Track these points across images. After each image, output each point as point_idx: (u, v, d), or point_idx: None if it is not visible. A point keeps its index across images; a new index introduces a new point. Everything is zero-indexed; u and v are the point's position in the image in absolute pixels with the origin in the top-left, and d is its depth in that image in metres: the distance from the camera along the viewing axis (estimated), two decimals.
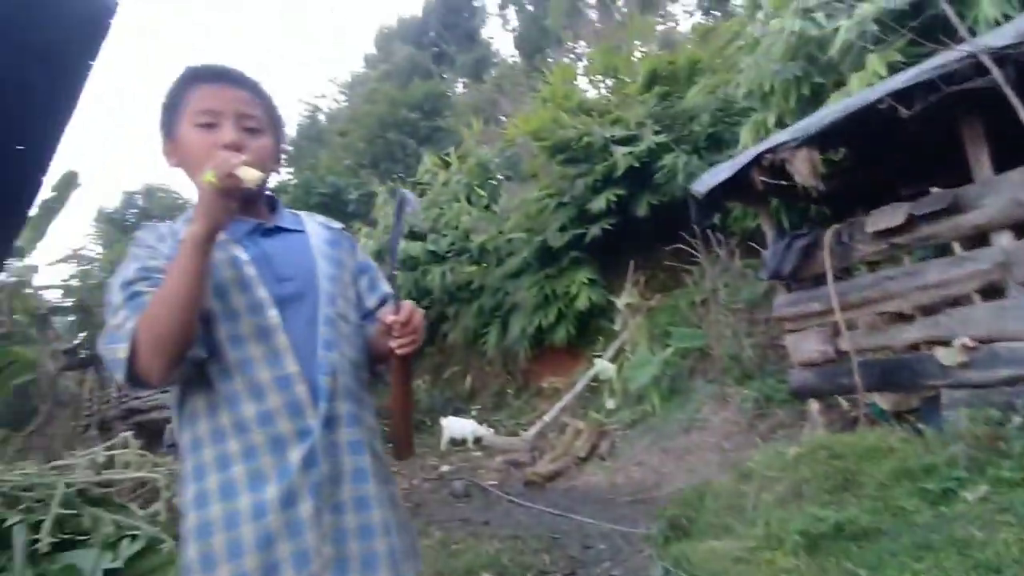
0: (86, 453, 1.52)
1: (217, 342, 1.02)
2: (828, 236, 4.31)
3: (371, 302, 1.22)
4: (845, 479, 3.08)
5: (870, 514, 2.72)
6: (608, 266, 8.95)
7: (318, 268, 1.12)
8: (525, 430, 7.81)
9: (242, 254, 1.07)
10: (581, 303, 8.52)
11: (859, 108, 3.75)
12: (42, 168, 3.35)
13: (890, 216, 3.90)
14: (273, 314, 1.04)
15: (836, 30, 5.67)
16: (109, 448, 1.50)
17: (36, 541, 1.11)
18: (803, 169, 3.95)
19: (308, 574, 0.96)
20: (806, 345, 4.48)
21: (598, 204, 8.33)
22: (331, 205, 16.75)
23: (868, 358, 4.20)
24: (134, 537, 1.26)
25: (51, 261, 12.33)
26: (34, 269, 10.72)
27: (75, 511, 1.20)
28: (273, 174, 1.19)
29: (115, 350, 0.95)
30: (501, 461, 6.91)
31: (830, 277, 4.22)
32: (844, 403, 4.65)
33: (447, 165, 12.74)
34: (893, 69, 4.87)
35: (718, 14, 14.99)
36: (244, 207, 1.08)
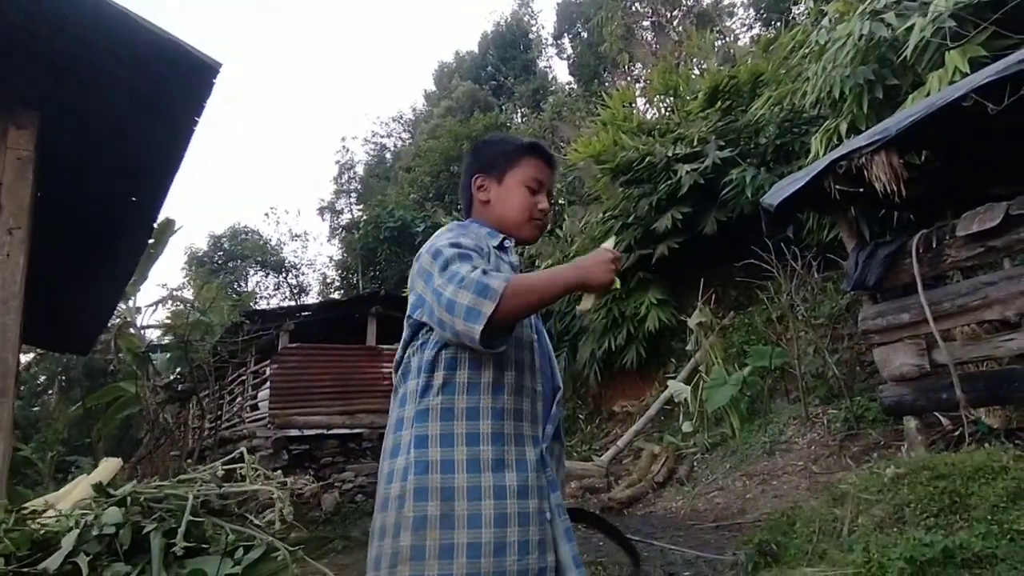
0: (207, 468, 1.66)
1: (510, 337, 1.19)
2: (915, 242, 4.09)
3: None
4: (952, 501, 2.87)
5: (983, 539, 2.52)
6: (677, 285, 8.79)
7: (545, 329, 1.37)
8: (599, 455, 7.69)
9: None
10: (651, 324, 8.39)
11: (942, 107, 3.58)
12: (152, 217, 3.70)
13: (985, 217, 3.67)
14: (536, 337, 1.28)
15: (909, 30, 5.46)
16: (228, 463, 1.64)
17: (169, 547, 1.23)
18: (883, 174, 3.79)
19: (526, 562, 1.08)
20: (897, 359, 4.23)
21: (663, 223, 8.23)
22: (399, 239, 17.35)
23: (969, 371, 3.92)
24: (250, 546, 1.37)
25: (151, 302, 13.34)
26: (137, 310, 11.68)
27: (200, 520, 1.32)
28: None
29: (483, 304, 1.07)
30: (576, 487, 6.82)
31: (920, 286, 3.99)
32: (945, 420, 4.34)
33: None
34: (976, 65, 4.63)
35: (779, 24, 14.69)
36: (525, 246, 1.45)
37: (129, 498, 1.32)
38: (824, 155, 5.78)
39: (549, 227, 9.78)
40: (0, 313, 2.37)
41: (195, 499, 1.33)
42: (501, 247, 1.32)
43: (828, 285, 6.87)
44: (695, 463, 6.33)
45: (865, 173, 3.94)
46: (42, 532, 1.20)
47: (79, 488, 1.48)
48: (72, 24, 2.48)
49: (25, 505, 1.39)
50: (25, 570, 1.09)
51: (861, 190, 4.16)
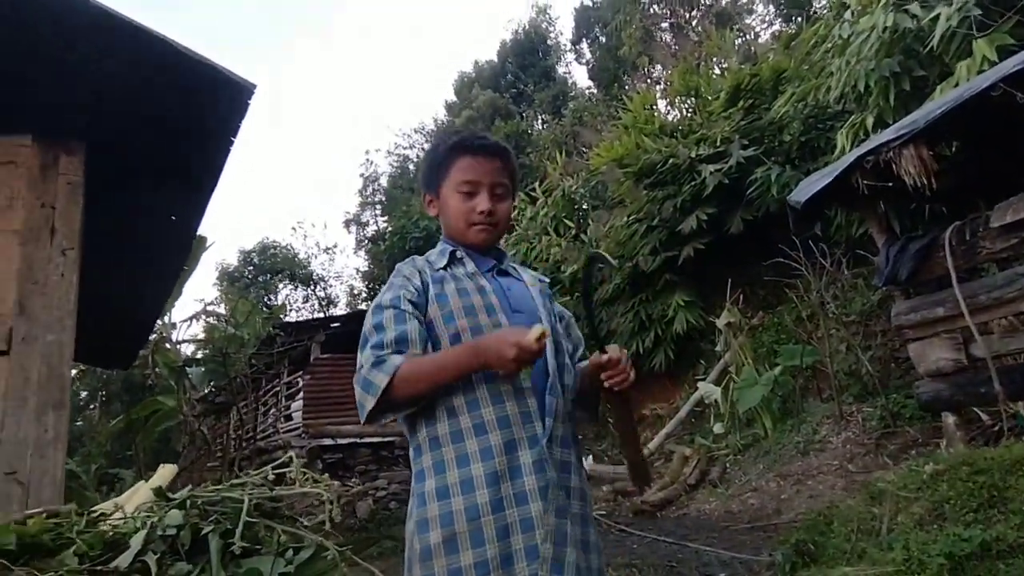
0: (258, 472, 1.74)
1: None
2: (948, 235, 4.02)
3: (568, 345, 1.37)
4: (991, 496, 2.82)
5: (1018, 530, 2.48)
6: (704, 286, 8.73)
7: (539, 307, 1.31)
8: None
9: (487, 284, 1.29)
10: (679, 326, 8.35)
11: (971, 97, 3.53)
12: (191, 235, 3.84)
13: (1020, 207, 3.60)
14: None
15: (934, 20, 5.39)
16: (277, 467, 1.71)
17: (226, 547, 1.31)
18: (912, 167, 3.75)
19: (537, 567, 1.08)
20: (933, 354, 4.16)
21: (689, 224, 8.20)
22: (425, 248, 17.46)
23: (1008, 364, 3.83)
24: (300, 547, 1.44)
25: (185, 318, 13.70)
26: (173, 326, 12.00)
27: (253, 521, 1.39)
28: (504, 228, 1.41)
29: (366, 398, 1.14)
30: (608, 490, 6.81)
31: (955, 279, 3.92)
32: (983, 415, 4.24)
33: (533, 200, 13.03)
34: (1004, 53, 4.55)
35: (799, 20, 14.52)
36: (486, 251, 1.35)
37: (188, 501, 1.40)
38: (850, 150, 5.72)
39: (574, 232, 9.71)
40: (56, 331, 2.50)
41: (249, 502, 1.41)
42: (452, 261, 1.31)
43: (859, 281, 6.76)
44: (727, 464, 6.28)
45: (893, 167, 3.90)
46: (111, 533, 1.28)
47: (140, 493, 1.57)
48: (115, 52, 2.61)
49: (94, 508, 1.49)
50: (98, 568, 1.17)
51: (890, 184, 4.11)
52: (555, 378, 1.22)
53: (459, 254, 1.32)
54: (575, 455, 1.25)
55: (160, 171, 3.23)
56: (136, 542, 1.23)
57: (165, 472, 1.69)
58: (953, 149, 4.96)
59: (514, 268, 1.42)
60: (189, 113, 2.82)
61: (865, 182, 4.16)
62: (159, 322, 11.35)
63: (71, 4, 2.37)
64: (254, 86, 2.65)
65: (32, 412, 2.37)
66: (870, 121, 5.92)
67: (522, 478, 1.12)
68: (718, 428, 6.83)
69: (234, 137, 2.85)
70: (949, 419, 4.17)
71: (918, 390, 4.40)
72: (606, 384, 1.20)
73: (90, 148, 2.87)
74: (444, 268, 1.31)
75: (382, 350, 1.16)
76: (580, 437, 1.33)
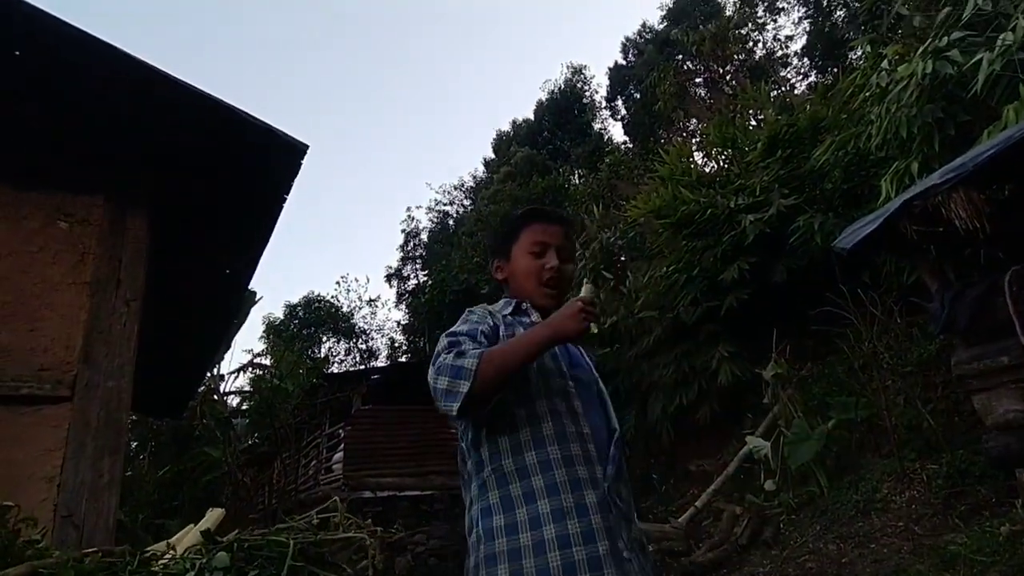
0: (303, 516, 1.75)
1: (531, 394, 1.25)
2: (1008, 280, 3.86)
3: None
4: None
5: None
6: (748, 337, 8.51)
7: (595, 371, 1.42)
8: (676, 516, 7.33)
9: None
10: (723, 378, 8.11)
11: (1021, 137, 3.45)
12: (243, 288, 4.01)
13: None
14: (572, 384, 1.30)
15: (976, 65, 5.34)
16: (322, 512, 1.72)
17: None
18: (963, 211, 3.65)
19: None
20: (1001, 406, 3.92)
21: (730, 274, 8.09)
22: (464, 301, 17.71)
23: None
24: None
25: (232, 370, 14.06)
26: (221, 378, 12.32)
27: (298, 565, 1.39)
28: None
29: (459, 384, 1.16)
30: (654, 549, 6.51)
31: (1018, 325, 3.73)
32: None
33: None
34: None
35: (835, 71, 14.59)
36: (551, 310, 1.39)
37: (235, 544, 1.42)
38: (895, 196, 5.61)
39: (614, 284, 9.70)
40: (116, 377, 2.62)
41: (294, 546, 1.42)
42: (517, 311, 1.39)
43: (913, 330, 6.49)
44: (781, 524, 5.94)
45: (943, 211, 3.81)
46: (162, 573, 1.31)
47: (190, 535, 1.60)
48: (181, 118, 2.83)
49: (146, 549, 1.52)
50: None
51: (940, 229, 4.00)
52: (618, 429, 1.31)
53: (524, 306, 1.41)
54: (632, 509, 1.29)
55: (216, 227, 3.41)
56: None
57: (214, 515, 1.72)
58: (1007, 192, 4.81)
59: None
60: (245, 172, 3.00)
61: (914, 227, 4.06)
62: (208, 374, 11.69)
63: (145, 76, 2.59)
64: (306, 147, 2.81)
65: (89, 457, 2.45)
66: (915, 167, 5.82)
67: (588, 516, 1.14)
68: (769, 485, 6.50)
69: (287, 195, 3.01)
70: (1023, 476, 3.89)
71: (986, 445, 4.12)
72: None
73: (153, 205, 3.07)
74: (511, 315, 1.39)
75: (460, 346, 1.22)
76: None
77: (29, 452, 2.35)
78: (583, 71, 25.56)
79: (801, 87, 17.84)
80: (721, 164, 11.24)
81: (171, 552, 1.46)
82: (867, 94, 7.11)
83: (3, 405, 2.37)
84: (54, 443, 2.41)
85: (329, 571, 1.45)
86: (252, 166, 2.98)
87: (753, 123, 11.97)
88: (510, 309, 1.40)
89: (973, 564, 3.01)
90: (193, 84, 2.70)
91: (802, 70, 19.21)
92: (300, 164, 2.84)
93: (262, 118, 2.83)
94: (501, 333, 1.32)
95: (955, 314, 4.09)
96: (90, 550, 1.42)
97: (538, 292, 1.40)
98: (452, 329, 1.31)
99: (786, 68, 19.23)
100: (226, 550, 1.42)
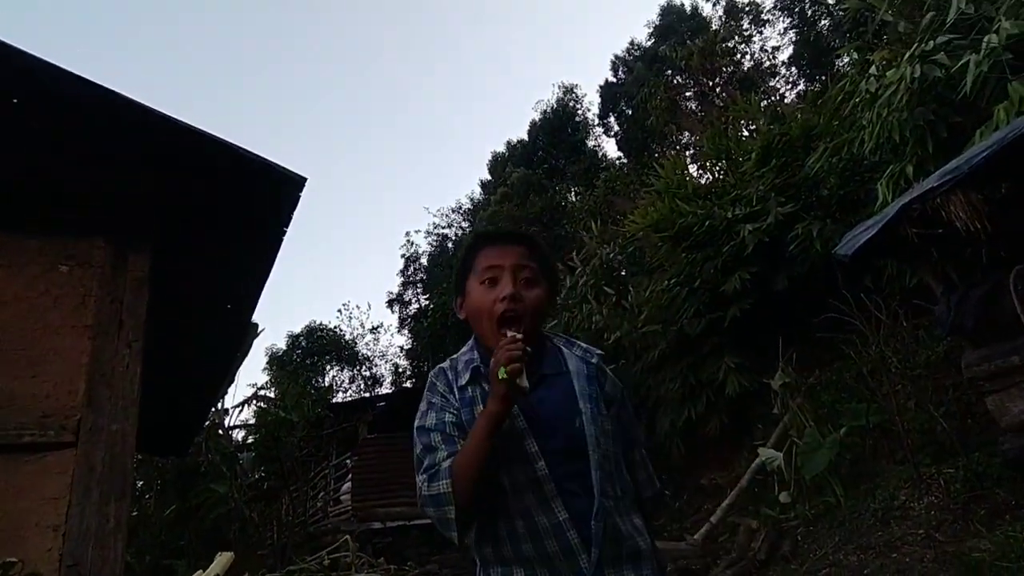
0: (313, 558, 1.70)
1: (502, 487, 1.14)
2: (1012, 279, 3.85)
3: (616, 444, 1.28)
4: None
5: None
6: (753, 347, 8.46)
7: (582, 414, 1.19)
8: (691, 533, 7.22)
9: (513, 409, 1.15)
10: (731, 389, 8.05)
11: (1015, 138, 3.47)
12: (246, 322, 3.99)
13: None
14: (542, 466, 1.13)
15: (963, 68, 5.39)
16: (332, 552, 1.67)
17: None
18: (962, 212, 3.65)
19: None
20: (1015, 406, 3.87)
21: (731, 285, 8.08)
22: (466, 325, 17.66)
23: None
24: None
25: (236, 403, 13.97)
26: (225, 412, 12.25)
27: None
28: (546, 317, 1.35)
29: (446, 511, 1.10)
30: (671, 569, 6.39)
31: None
32: None
33: (572, 269, 13.12)
34: None
35: (823, 78, 14.74)
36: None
37: None
38: (892, 199, 5.62)
39: (616, 299, 9.63)
40: (120, 420, 2.59)
41: None
42: (476, 377, 1.22)
43: (920, 333, 6.45)
44: (799, 537, 5.84)
45: (943, 213, 3.81)
46: None
47: None
48: (177, 157, 2.84)
49: None
50: None
51: (940, 231, 4.00)
52: (603, 497, 1.13)
53: (483, 370, 1.21)
54: (644, 567, 1.16)
55: (215, 262, 3.40)
56: None
57: (223, 560, 1.68)
58: (1003, 191, 4.82)
59: (559, 354, 1.30)
60: (244, 207, 3.00)
61: (914, 231, 4.06)
62: (212, 408, 11.61)
63: (141, 117, 2.60)
64: (304, 179, 2.81)
65: (95, 503, 2.41)
66: (910, 170, 5.85)
67: None
68: (784, 497, 6.40)
69: (286, 227, 3.01)
70: None
71: (1002, 447, 4.08)
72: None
73: (152, 244, 3.06)
74: (469, 384, 1.23)
75: (434, 467, 1.15)
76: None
77: (33, 501, 2.31)
78: (574, 90, 25.84)
79: (791, 96, 18.02)
80: (716, 175, 11.30)
81: None
82: (857, 100, 7.18)
83: (6, 454, 2.34)
84: (58, 490, 2.37)
85: None
86: (250, 200, 2.98)
87: (746, 133, 12.06)
88: (467, 376, 1.22)
89: (999, 571, 2.95)
90: (185, 122, 2.72)
91: (791, 79, 19.43)
92: (299, 196, 2.84)
93: (256, 150, 2.85)
94: (462, 416, 1.19)
95: (961, 316, 4.07)
96: None
97: (494, 336, 1.18)
98: (420, 423, 1.21)
99: (775, 78, 19.45)
100: None
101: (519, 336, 1.11)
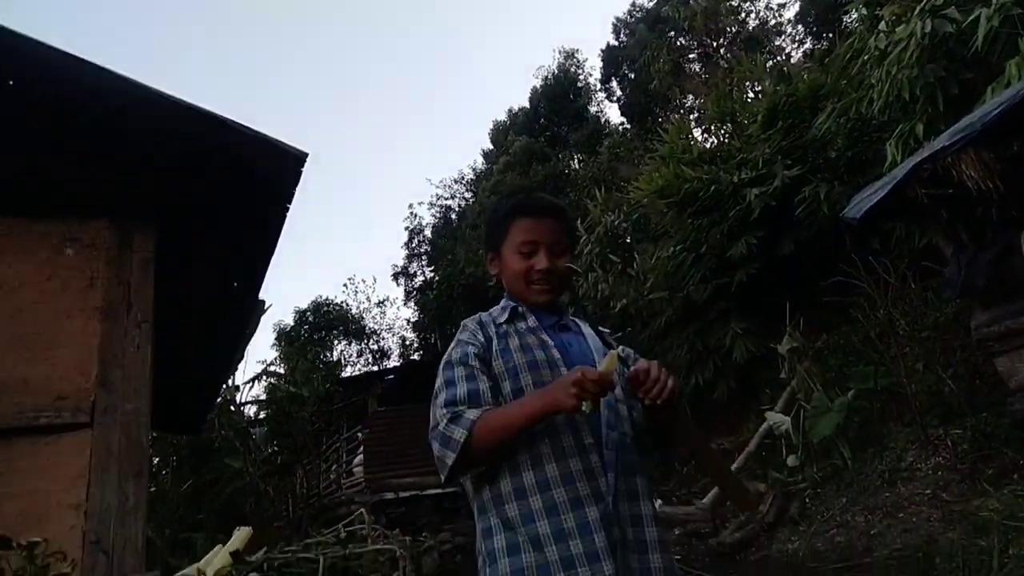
0: (330, 531, 1.74)
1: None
2: None
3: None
4: None
5: None
6: (760, 312, 8.45)
7: (599, 363, 1.28)
8: (700, 498, 7.33)
9: (549, 339, 1.31)
10: (738, 355, 8.07)
11: None
12: (253, 300, 4.00)
13: None
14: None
15: (974, 23, 5.25)
16: (348, 525, 1.72)
17: None
18: (974, 172, 3.59)
19: None
20: None
21: (738, 250, 8.03)
22: (472, 295, 17.71)
23: None
24: None
25: (247, 380, 14.13)
26: (236, 388, 12.38)
27: None
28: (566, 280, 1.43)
29: (446, 455, 1.15)
30: (680, 533, 6.51)
31: None
32: None
33: (577, 238, 13.06)
34: None
35: (830, 36, 14.38)
36: (547, 308, 1.38)
37: (265, 564, 1.41)
38: (901, 160, 5.53)
39: (621, 267, 9.63)
40: (134, 400, 2.62)
41: (323, 562, 1.41)
42: (514, 316, 1.34)
43: (928, 295, 6.42)
44: (807, 499, 5.91)
45: (953, 173, 3.74)
46: None
47: (219, 557, 1.60)
48: (178, 135, 2.81)
49: (179, 574, 1.52)
50: None
51: (950, 191, 3.94)
52: (608, 430, 1.21)
53: (521, 310, 1.36)
54: (649, 507, 1.23)
55: (220, 241, 3.39)
56: None
57: (242, 535, 1.72)
58: (1016, 148, 4.73)
59: (575, 322, 1.43)
60: (246, 184, 2.97)
61: (924, 191, 4.00)
62: (224, 385, 11.74)
63: (139, 97, 2.57)
64: (305, 155, 2.78)
65: (114, 481, 2.46)
66: (920, 129, 5.74)
67: (591, 535, 1.10)
68: (792, 460, 6.47)
69: (289, 204, 2.98)
70: None
71: (1011, 407, 4.08)
72: (646, 403, 1.18)
73: (157, 224, 3.06)
74: (506, 323, 1.34)
75: (456, 406, 1.18)
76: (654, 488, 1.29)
77: (54, 481, 2.36)
78: (575, 55, 25.34)
79: (797, 55, 17.62)
80: (721, 139, 11.13)
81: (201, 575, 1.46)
82: (866, 58, 7.01)
83: (24, 437, 2.37)
84: (77, 470, 2.41)
85: None
86: (252, 177, 2.96)
87: (751, 95, 11.84)
88: (506, 316, 1.35)
89: (1007, 530, 2.98)
90: (184, 99, 2.68)
91: (797, 37, 18.95)
92: (300, 172, 2.81)
93: (252, 124, 2.81)
94: (494, 348, 1.28)
95: (972, 277, 4.04)
96: None
97: (528, 292, 1.36)
98: (446, 357, 1.29)
99: (781, 37, 18.97)
100: (257, 570, 1.41)
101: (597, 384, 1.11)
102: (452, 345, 1.32)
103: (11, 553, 1.42)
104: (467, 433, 1.13)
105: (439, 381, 1.26)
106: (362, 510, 2.01)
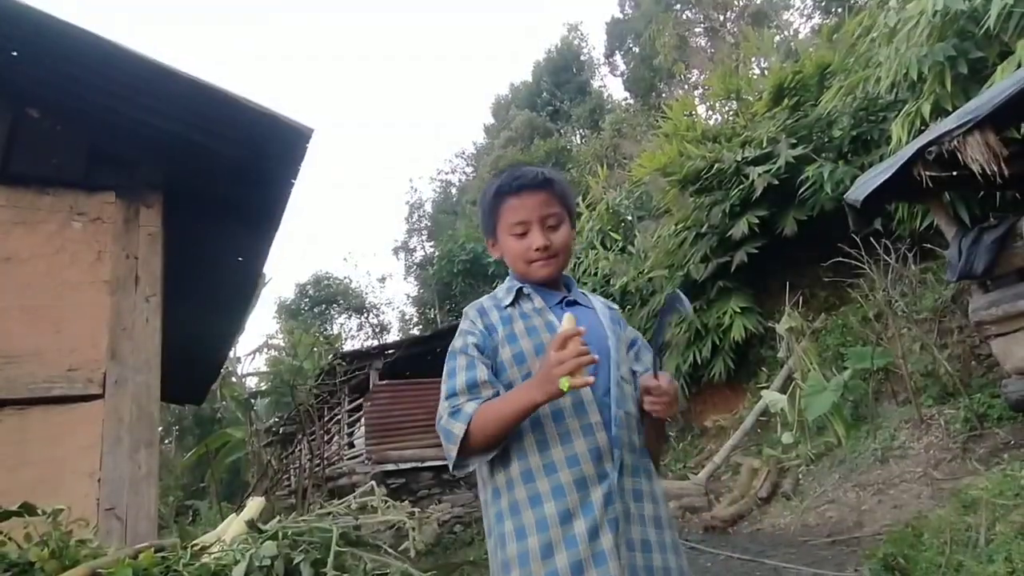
0: (341, 501, 1.80)
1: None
2: None
3: (638, 367, 1.39)
4: None
5: None
6: (761, 291, 8.50)
7: (609, 338, 1.32)
8: (695, 473, 7.47)
9: (554, 320, 1.29)
10: (736, 333, 8.14)
11: None
12: (257, 274, 4.03)
13: None
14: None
15: (988, 0, 5.17)
16: (361, 496, 1.77)
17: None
18: (979, 155, 3.58)
19: None
20: (1020, 350, 3.92)
21: (739, 229, 8.03)
22: (472, 270, 17.73)
23: None
24: (386, 574, 1.48)
25: (248, 352, 14.24)
26: (238, 360, 12.50)
27: (341, 550, 1.44)
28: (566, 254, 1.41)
29: (449, 448, 1.20)
30: (675, 507, 6.65)
31: None
32: None
33: (578, 215, 13.04)
34: None
35: (840, 11, 14.14)
36: (553, 284, 1.37)
37: (279, 532, 1.47)
38: (907, 141, 5.51)
39: (621, 244, 9.61)
40: (144, 372, 2.67)
41: (337, 531, 1.46)
42: (519, 298, 1.34)
43: (927, 276, 6.45)
44: (800, 476, 6.04)
45: (959, 155, 3.74)
46: (214, 566, 1.36)
47: (233, 525, 1.65)
48: (184, 109, 2.80)
49: (195, 541, 1.57)
50: None
51: (955, 174, 3.93)
52: (618, 408, 1.23)
53: (525, 290, 1.35)
54: (650, 482, 1.26)
55: (226, 216, 3.40)
56: (239, 573, 1.30)
57: (256, 504, 1.77)
58: (1022, 132, 4.71)
59: (584, 295, 1.43)
60: (253, 160, 2.98)
61: (928, 174, 4.00)
62: (226, 357, 11.81)
63: (147, 70, 2.56)
64: (311, 131, 2.78)
65: (126, 450, 2.52)
66: (927, 109, 5.70)
67: (593, 513, 1.13)
68: (787, 438, 6.58)
69: (295, 179, 2.99)
70: None
71: (1005, 389, 4.15)
72: (645, 406, 1.23)
73: (164, 198, 3.07)
74: (511, 306, 1.33)
75: (456, 398, 1.22)
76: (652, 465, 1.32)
77: (68, 449, 2.42)
78: (579, 27, 24.96)
79: (805, 30, 17.34)
80: (726, 116, 11.04)
81: (220, 543, 1.52)
82: (875, 35, 6.92)
83: (39, 406, 2.42)
84: (91, 440, 2.47)
85: (371, 553, 1.50)
86: (259, 154, 2.96)
87: (757, 72, 11.70)
88: (511, 298, 1.35)
89: (995, 508, 3.06)
90: (191, 73, 2.67)
91: (805, 12, 18.63)
92: (306, 148, 2.82)
93: (258, 99, 2.81)
94: (500, 335, 1.29)
95: (972, 260, 4.06)
96: (142, 545, 1.48)
97: (530, 271, 1.33)
98: (451, 346, 1.32)
99: (788, 11, 18.65)
100: (271, 539, 1.46)
101: (595, 357, 1.13)
102: (456, 334, 1.34)
103: (36, 520, 1.47)
104: (464, 427, 1.17)
105: (445, 371, 1.29)
106: (372, 483, 2.06)
